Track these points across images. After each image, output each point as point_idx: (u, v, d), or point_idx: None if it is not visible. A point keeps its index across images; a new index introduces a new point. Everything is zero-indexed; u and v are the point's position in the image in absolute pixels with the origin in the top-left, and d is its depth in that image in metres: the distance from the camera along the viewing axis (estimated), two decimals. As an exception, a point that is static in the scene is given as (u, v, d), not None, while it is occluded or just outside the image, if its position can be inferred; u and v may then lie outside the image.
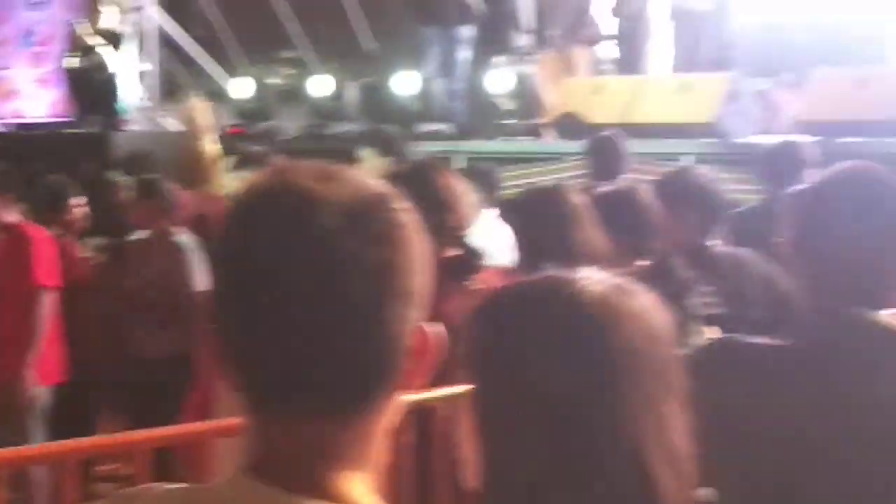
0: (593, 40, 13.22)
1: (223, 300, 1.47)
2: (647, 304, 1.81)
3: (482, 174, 8.16)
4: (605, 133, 8.38)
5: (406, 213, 1.49)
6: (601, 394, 1.77)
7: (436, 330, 1.49)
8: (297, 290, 1.41)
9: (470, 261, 4.36)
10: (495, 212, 7.18)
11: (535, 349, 1.79)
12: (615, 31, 13.32)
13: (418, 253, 1.48)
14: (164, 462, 4.16)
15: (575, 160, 9.61)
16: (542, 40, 13.14)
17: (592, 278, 1.81)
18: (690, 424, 1.84)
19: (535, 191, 5.63)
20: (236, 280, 1.46)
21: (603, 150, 7.97)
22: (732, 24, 14.09)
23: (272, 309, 1.42)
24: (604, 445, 1.78)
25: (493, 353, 1.85)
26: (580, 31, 12.93)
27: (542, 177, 9.84)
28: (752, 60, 14.11)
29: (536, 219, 4.89)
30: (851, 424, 2.64)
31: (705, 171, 5.77)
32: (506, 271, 4.90)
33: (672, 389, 1.81)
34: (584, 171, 8.54)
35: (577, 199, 4.91)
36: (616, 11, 13.14)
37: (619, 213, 5.00)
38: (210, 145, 9.62)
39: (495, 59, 12.98)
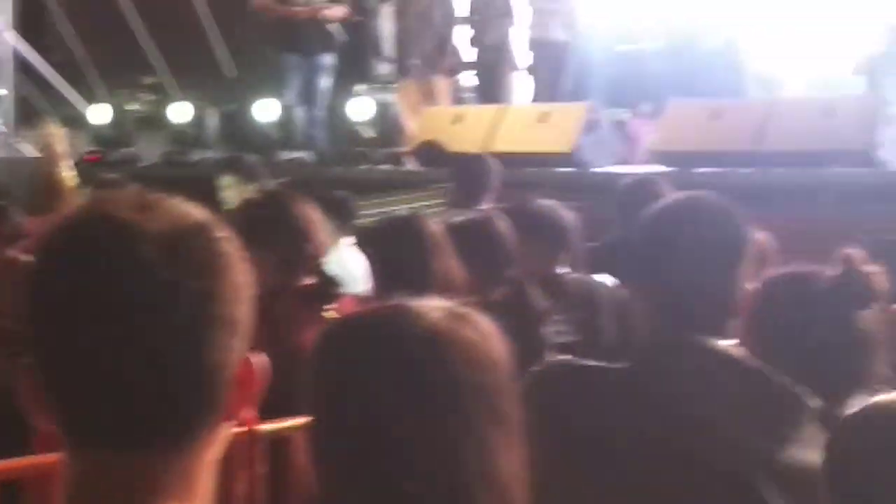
0: (454, 70, 13.31)
1: (39, 331, 1.43)
2: (483, 332, 1.83)
3: (338, 202, 8.13)
4: (472, 155, 8.39)
5: (227, 242, 1.47)
6: (422, 421, 1.78)
7: (260, 359, 1.48)
8: (114, 322, 1.38)
9: (326, 289, 4.36)
10: (351, 240, 7.17)
11: (362, 376, 1.81)
12: (475, 61, 13.42)
13: (240, 282, 1.47)
14: (12, 496, 4.05)
15: (435, 188, 9.64)
16: (403, 69, 13.20)
17: (429, 307, 1.83)
18: (525, 451, 1.85)
19: (392, 219, 5.62)
20: (51, 312, 1.42)
21: (468, 171, 7.96)
22: (591, 55, 14.27)
23: (88, 341, 1.39)
24: (424, 473, 1.78)
25: (325, 382, 1.89)
26: (441, 60, 13.01)
27: (402, 205, 9.84)
28: (610, 91, 14.31)
29: (393, 247, 4.89)
30: (674, 447, 2.62)
31: (553, 201, 5.81)
32: (362, 300, 4.90)
33: (503, 417, 1.82)
34: (444, 198, 8.57)
35: (434, 228, 4.92)
36: (475, 41, 13.23)
37: (474, 242, 5.04)
38: (66, 172, 9.48)
39: (356, 88, 13.00)
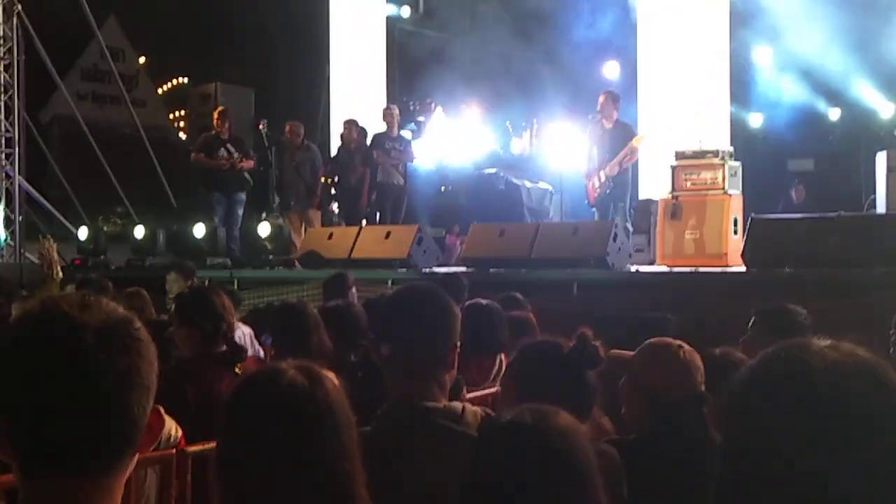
0: (321, 205, 13.39)
1: (12, 393, 1.38)
2: (328, 385, 1.95)
3: (231, 294, 8.12)
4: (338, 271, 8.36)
5: (142, 331, 1.45)
6: (298, 440, 1.89)
7: (160, 409, 1.46)
8: (64, 387, 1.36)
9: (236, 354, 4.28)
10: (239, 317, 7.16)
11: (256, 415, 1.92)
12: (340, 196, 13.47)
13: (152, 358, 1.45)
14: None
15: (314, 284, 9.59)
16: (285, 205, 13.16)
17: (297, 367, 1.97)
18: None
19: (284, 304, 5.58)
20: (21, 378, 1.38)
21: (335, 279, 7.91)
22: (421, 192, 14.41)
23: (40, 400, 1.36)
24: (311, 486, 1.89)
25: (235, 418, 1.97)
26: (311, 199, 13.07)
27: (291, 295, 9.73)
28: (433, 217, 14.44)
29: (284, 324, 4.84)
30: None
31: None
32: (259, 360, 4.82)
33: (349, 450, 1.95)
34: (321, 292, 8.52)
35: (313, 311, 4.88)
36: (340, 184, 13.33)
37: (339, 321, 5.00)
38: (57, 273, 9.18)
39: (261, 216, 12.92)
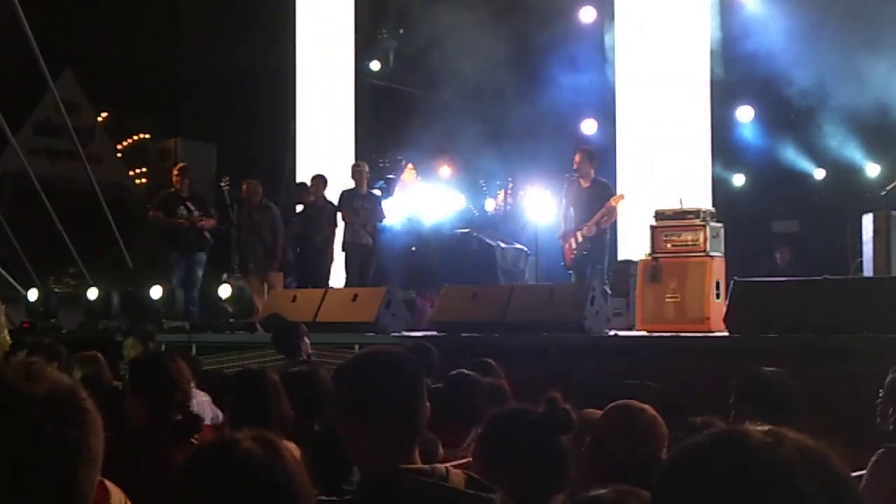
0: (282, 268, 13.40)
1: None
2: (285, 457, 1.96)
3: (189, 359, 8.12)
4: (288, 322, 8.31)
5: (88, 401, 1.45)
6: None
7: (105, 482, 1.46)
8: (13, 457, 1.35)
9: (192, 423, 4.24)
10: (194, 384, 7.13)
11: (211, 486, 1.92)
12: (305, 257, 13.48)
13: (99, 429, 1.44)
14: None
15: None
16: (244, 268, 13.12)
17: (253, 438, 1.97)
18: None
19: (245, 371, 5.53)
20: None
21: (285, 330, 7.89)
22: (391, 252, 14.42)
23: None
24: None
25: (191, 490, 1.95)
26: (271, 262, 13.11)
27: (252, 360, 9.68)
28: (403, 278, 14.44)
29: (244, 392, 4.80)
30: None
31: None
32: (217, 429, 4.78)
33: None
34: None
35: (274, 378, 4.85)
36: (306, 241, 13.34)
37: (303, 387, 4.97)
38: (4, 338, 9.11)
39: (222, 277, 12.89)
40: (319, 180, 13.41)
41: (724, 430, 1.35)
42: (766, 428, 1.31)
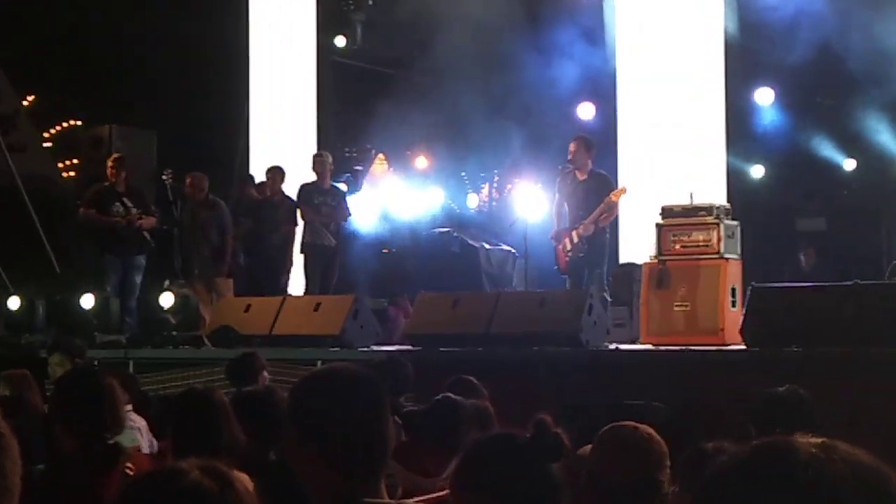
0: (230, 272, 13.34)
1: None
2: (238, 488, 1.95)
3: (123, 377, 8.11)
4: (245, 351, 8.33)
5: (3, 426, 1.46)
6: None
7: None
8: None
9: (123, 451, 4.24)
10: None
11: None
12: (259, 259, 13.47)
13: (16, 455, 1.45)
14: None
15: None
16: (188, 272, 13.07)
17: (197, 467, 1.95)
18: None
19: (188, 392, 5.51)
20: None
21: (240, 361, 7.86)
22: (358, 255, 14.42)
23: None
24: None
25: None
26: (219, 265, 13.08)
27: (198, 379, 9.65)
28: (373, 285, 14.44)
29: (188, 415, 4.79)
30: None
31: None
32: (154, 458, 4.77)
33: None
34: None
35: (223, 399, 4.84)
36: (261, 241, 13.32)
37: (256, 411, 4.96)
38: None
39: (164, 284, 12.85)
40: (276, 172, 13.40)
41: (769, 441, 1.36)
42: (818, 440, 1.32)
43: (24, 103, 20.48)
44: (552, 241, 11.57)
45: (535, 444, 2.82)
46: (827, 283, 9.55)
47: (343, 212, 13.19)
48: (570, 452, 2.88)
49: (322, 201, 12.94)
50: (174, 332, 11.84)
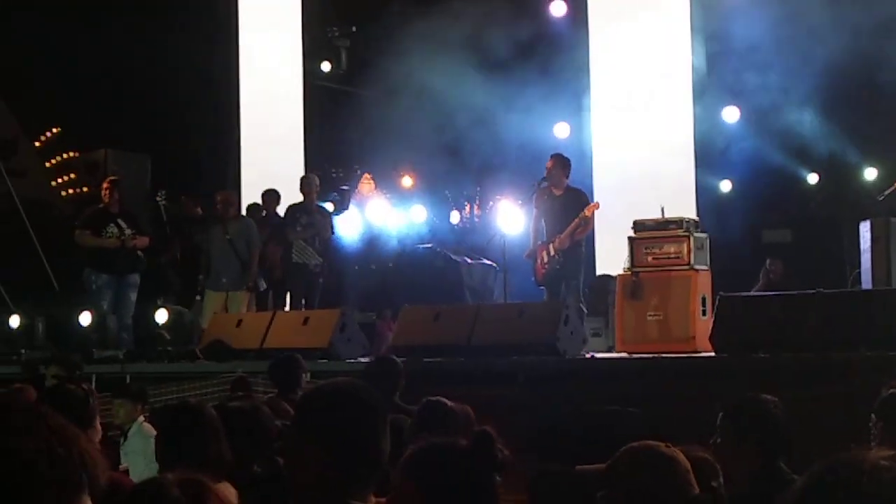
0: (255, 286, 13.29)
1: None
2: (230, 500, 2.01)
3: (135, 390, 8.08)
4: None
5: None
6: None
7: None
8: None
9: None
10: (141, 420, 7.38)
11: None
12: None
13: None
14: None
15: (221, 379, 9.48)
16: (217, 284, 12.98)
17: (189, 480, 1.94)
18: None
19: (176, 406, 5.46)
20: None
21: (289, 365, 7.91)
22: (341, 271, 14.37)
23: None
24: None
25: None
26: (247, 279, 12.94)
27: (192, 392, 9.60)
28: (360, 299, 14.39)
29: (176, 430, 4.72)
30: None
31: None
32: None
33: None
34: (228, 387, 8.42)
35: (212, 414, 4.78)
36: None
37: (242, 425, 4.91)
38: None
39: (159, 300, 12.80)
40: (270, 196, 13.46)
41: (841, 455, 1.45)
42: (887, 453, 1.43)
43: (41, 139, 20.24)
44: (527, 259, 11.56)
45: (472, 454, 2.77)
46: (791, 293, 9.53)
47: (326, 230, 13.13)
48: (511, 465, 2.84)
49: (306, 221, 12.93)
50: (169, 348, 11.79)
